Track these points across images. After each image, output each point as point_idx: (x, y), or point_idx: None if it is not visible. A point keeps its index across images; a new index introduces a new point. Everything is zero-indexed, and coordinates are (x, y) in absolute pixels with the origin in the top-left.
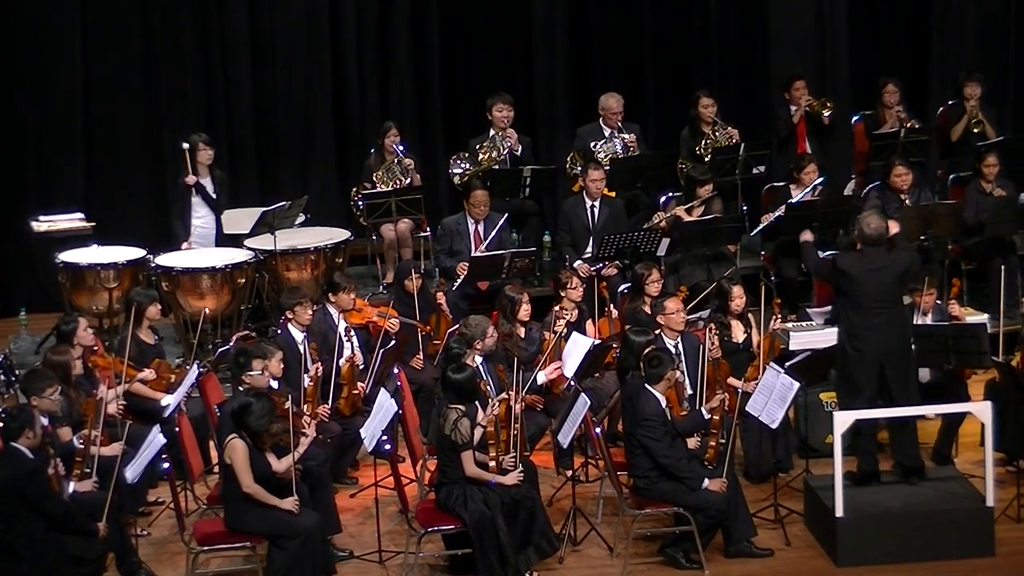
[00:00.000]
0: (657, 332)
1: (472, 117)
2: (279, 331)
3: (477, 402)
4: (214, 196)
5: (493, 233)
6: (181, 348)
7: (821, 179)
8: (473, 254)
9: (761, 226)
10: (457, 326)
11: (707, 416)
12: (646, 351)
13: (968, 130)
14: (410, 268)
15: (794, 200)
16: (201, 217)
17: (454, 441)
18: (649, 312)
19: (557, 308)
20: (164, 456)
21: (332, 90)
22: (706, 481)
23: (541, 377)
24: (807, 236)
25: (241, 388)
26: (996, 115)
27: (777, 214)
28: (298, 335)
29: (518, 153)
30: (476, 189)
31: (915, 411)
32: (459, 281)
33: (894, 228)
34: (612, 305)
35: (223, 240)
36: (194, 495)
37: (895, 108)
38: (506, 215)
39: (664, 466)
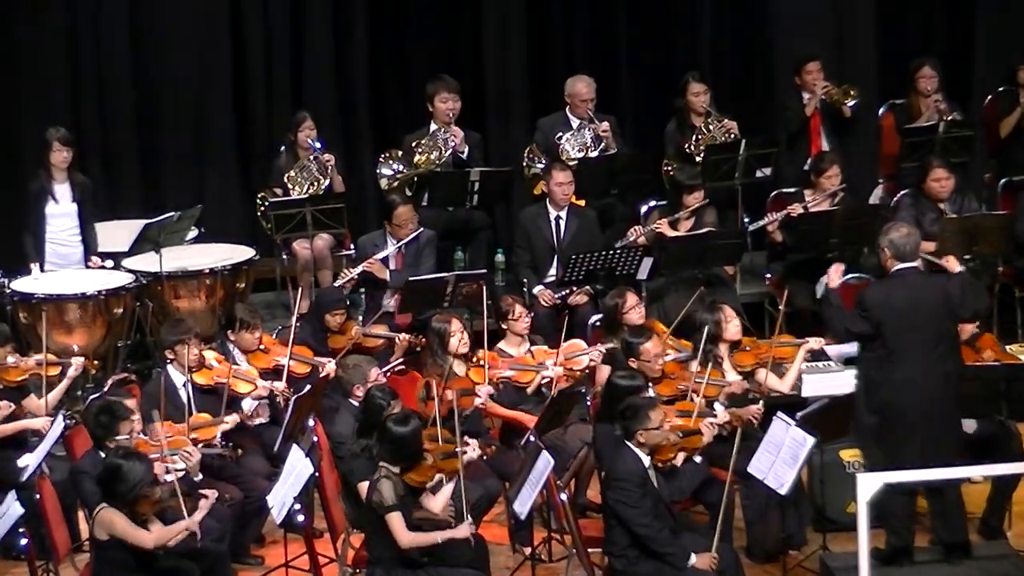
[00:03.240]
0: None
1: (406, 107)
2: (160, 370)
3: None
4: (72, 205)
5: (392, 248)
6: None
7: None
8: (411, 279)
9: (762, 222)
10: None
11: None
12: (627, 400)
13: (1023, 125)
14: (333, 300)
15: (809, 205)
16: (57, 232)
17: (376, 503)
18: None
19: (501, 345)
20: (21, 530)
21: (231, 74)
22: (693, 557)
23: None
24: (835, 278)
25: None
26: None
27: (785, 212)
28: (180, 378)
29: (463, 155)
30: (398, 206)
31: (958, 473)
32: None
33: (928, 248)
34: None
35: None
36: None
37: (932, 97)
38: (422, 229)
39: (640, 537)
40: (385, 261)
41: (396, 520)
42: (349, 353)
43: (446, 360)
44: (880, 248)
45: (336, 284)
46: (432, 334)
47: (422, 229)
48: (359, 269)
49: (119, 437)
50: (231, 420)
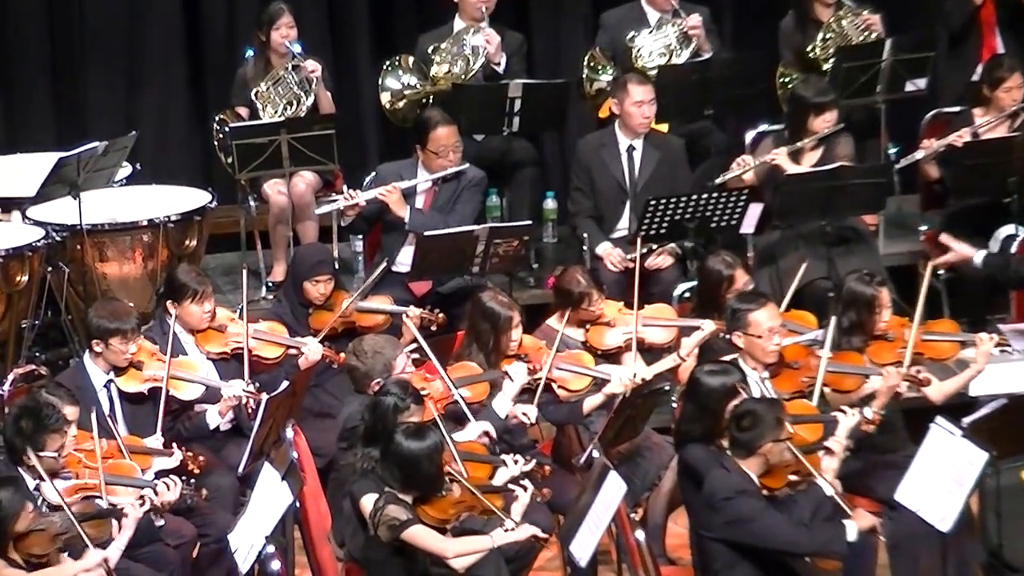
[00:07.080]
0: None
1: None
2: (77, 359)
3: None
4: None
5: (423, 180)
6: None
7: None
8: (427, 233)
9: (916, 155)
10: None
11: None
12: (734, 405)
13: None
14: (315, 261)
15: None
16: None
17: (388, 523)
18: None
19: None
20: None
21: None
22: (851, 527)
23: None
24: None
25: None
26: None
27: (948, 140)
28: (100, 376)
29: (499, 67)
30: (438, 125)
31: None
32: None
33: None
34: None
35: None
36: None
37: None
38: (467, 165)
39: (788, 551)
40: (411, 197)
41: (422, 533)
42: (338, 335)
43: (495, 364)
44: None
45: (327, 209)
46: (483, 317)
47: (468, 165)
48: (370, 195)
49: (44, 454)
50: (175, 457)
